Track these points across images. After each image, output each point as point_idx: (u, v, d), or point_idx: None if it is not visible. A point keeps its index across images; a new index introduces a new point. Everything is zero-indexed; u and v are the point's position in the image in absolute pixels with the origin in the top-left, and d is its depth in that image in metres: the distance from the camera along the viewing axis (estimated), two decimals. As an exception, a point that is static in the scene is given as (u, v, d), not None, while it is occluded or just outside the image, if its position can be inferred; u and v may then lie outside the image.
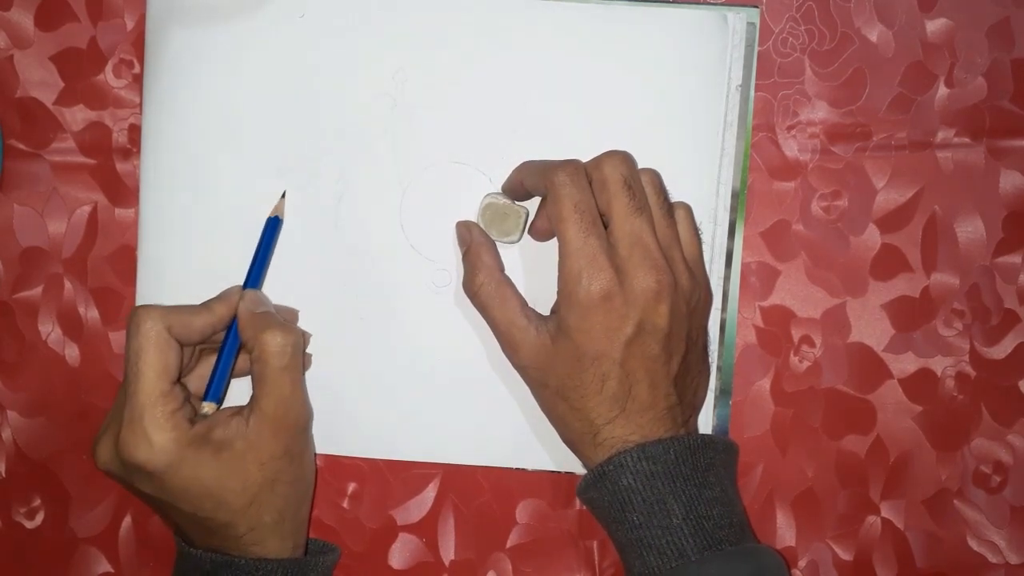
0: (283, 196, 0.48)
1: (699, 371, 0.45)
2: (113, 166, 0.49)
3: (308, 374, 0.48)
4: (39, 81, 0.49)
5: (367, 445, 0.49)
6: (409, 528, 0.50)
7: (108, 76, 0.49)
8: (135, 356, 0.42)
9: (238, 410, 0.44)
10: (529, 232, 0.47)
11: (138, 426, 0.41)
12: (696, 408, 0.46)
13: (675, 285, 0.42)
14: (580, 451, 0.44)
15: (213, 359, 0.46)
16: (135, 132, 0.49)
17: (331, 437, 0.49)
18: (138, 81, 0.49)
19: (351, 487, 0.49)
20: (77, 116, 0.49)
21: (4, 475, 0.50)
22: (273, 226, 0.47)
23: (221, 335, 0.45)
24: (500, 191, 0.47)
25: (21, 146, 0.49)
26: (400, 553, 0.50)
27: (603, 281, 0.42)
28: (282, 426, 0.43)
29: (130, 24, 0.49)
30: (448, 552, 0.50)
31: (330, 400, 0.48)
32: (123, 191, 0.49)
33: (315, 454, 0.48)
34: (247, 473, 0.42)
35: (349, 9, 0.48)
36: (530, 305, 0.45)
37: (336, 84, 0.48)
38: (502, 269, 0.46)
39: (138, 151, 0.49)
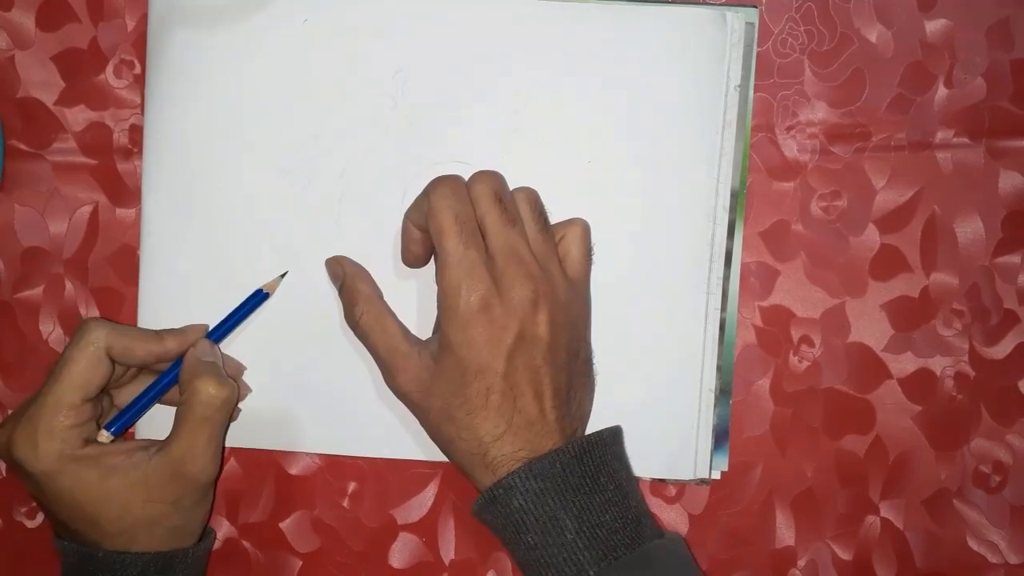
0: (283, 276, 0.48)
1: (582, 384, 0.45)
2: (114, 166, 0.49)
3: (310, 372, 0.48)
4: (40, 81, 0.49)
5: (367, 445, 0.49)
6: (409, 528, 0.50)
7: (109, 76, 0.49)
8: (63, 361, 0.43)
9: (149, 443, 0.44)
10: (403, 259, 0.47)
11: (30, 427, 0.42)
12: (583, 420, 0.45)
13: (552, 295, 0.43)
14: (471, 475, 0.43)
15: (148, 380, 0.46)
16: (136, 132, 0.49)
17: (331, 437, 0.49)
18: (139, 81, 0.49)
19: (351, 487, 0.50)
20: (78, 116, 0.50)
21: (4, 475, 0.50)
22: (257, 298, 0.47)
23: (164, 365, 0.46)
24: None
25: (22, 146, 0.50)
26: (400, 553, 0.50)
27: (482, 291, 0.42)
28: (182, 475, 0.43)
29: (131, 24, 0.49)
30: (448, 552, 0.50)
31: (330, 400, 0.48)
32: (124, 191, 0.49)
33: (211, 511, 0.46)
34: (129, 504, 0.43)
35: (350, 9, 0.48)
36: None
37: (336, 84, 0.48)
38: (381, 297, 0.46)
39: (139, 151, 0.49)
